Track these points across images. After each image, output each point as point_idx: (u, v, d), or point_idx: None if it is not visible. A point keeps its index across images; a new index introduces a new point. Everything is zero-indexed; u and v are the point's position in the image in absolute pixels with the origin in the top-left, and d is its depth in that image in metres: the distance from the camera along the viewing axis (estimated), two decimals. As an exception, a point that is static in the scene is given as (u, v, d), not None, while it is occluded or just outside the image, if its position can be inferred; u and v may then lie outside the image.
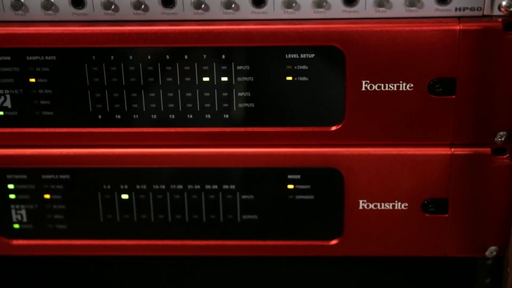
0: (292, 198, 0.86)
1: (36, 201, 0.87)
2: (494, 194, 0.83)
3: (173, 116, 0.82)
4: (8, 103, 0.82)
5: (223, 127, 0.82)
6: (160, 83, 0.81)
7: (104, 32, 0.79)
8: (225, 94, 0.81)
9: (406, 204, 0.84)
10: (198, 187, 0.86)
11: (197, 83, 0.81)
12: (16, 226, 0.88)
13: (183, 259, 0.91)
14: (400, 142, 0.82)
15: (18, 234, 0.89)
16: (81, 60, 0.81)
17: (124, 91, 0.82)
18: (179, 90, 0.81)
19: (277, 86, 0.81)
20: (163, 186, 0.86)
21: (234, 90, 0.81)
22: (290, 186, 0.85)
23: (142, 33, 0.79)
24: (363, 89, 0.80)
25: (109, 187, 0.86)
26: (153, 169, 0.85)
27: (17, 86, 0.82)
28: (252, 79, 0.81)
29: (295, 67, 0.80)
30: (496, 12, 0.77)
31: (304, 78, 0.80)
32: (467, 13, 0.78)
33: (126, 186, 0.86)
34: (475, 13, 0.78)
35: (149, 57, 0.80)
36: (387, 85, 0.79)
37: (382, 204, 0.85)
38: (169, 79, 0.81)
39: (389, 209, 0.85)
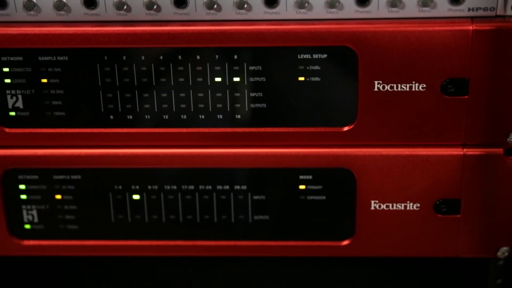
0: (304, 198, 0.86)
1: (47, 202, 0.87)
2: (507, 194, 0.83)
3: (185, 117, 0.82)
4: (20, 104, 0.82)
5: (235, 127, 0.82)
6: (172, 83, 0.81)
7: (116, 33, 0.79)
8: (237, 94, 0.81)
9: (418, 205, 0.84)
10: (210, 187, 0.86)
11: (209, 84, 0.81)
12: (27, 226, 0.88)
13: (194, 259, 0.91)
14: (412, 142, 0.82)
15: (29, 235, 0.88)
16: (93, 60, 0.80)
17: (136, 91, 0.81)
18: (191, 91, 0.81)
19: (289, 86, 0.81)
20: (175, 187, 0.86)
21: (246, 91, 0.81)
22: (302, 187, 0.85)
23: (155, 34, 0.79)
24: (376, 89, 0.80)
25: (120, 187, 0.86)
26: (165, 169, 0.85)
27: (29, 86, 0.82)
28: (264, 80, 0.81)
29: (308, 68, 0.80)
30: (509, 12, 0.77)
31: (317, 79, 0.80)
32: (480, 13, 0.77)
33: (137, 187, 0.86)
34: (488, 13, 0.77)
35: (161, 57, 0.80)
36: (399, 85, 0.79)
37: (394, 204, 0.84)
38: (181, 79, 0.81)
39: (401, 210, 0.84)
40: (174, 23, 0.79)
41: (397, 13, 0.78)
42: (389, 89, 0.79)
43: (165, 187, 0.86)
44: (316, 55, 0.79)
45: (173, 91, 0.81)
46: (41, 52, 0.80)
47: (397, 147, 0.83)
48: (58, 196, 0.87)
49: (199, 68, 0.80)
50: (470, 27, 0.77)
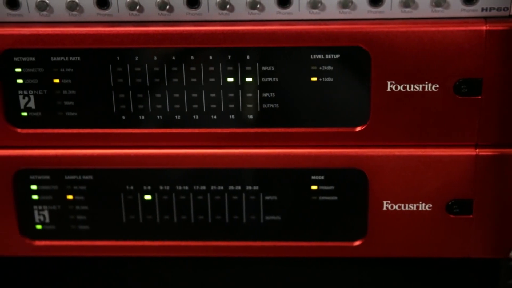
0: (316, 199, 0.85)
1: (59, 202, 0.87)
2: (519, 195, 0.83)
3: (197, 117, 0.82)
4: (32, 104, 0.82)
5: (247, 128, 0.82)
6: (185, 83, 0.81)
7: (129, 33, 0.79)
8: (249, 94, 0.81)
9: (431, 205, 0.84)
10: (222, 188, 0.86)
11: (221, 84, 0.81)
12: (39, 227, 0.88)
13: (205, 260, 0.91)
14: (425, 143, 0.82)
15: (41, 235, 0.88)
16: (105, 60, 0.80)
17: (148, 92, 0.81)
18: (203, 91, 0.81)
19: (301, 86, 0.81)
20: (186, 187, 0.86)
21: (258, 91, 0.81)
22: (314, 187, 0.85)
23: (167, 34, 0.79)
24: (388, 89, 0.79)
25: (132, 188, 0.86)
26: (176, 170, 0.85)
27: (41, 87, 0.82)
28: (277, 80, 0.81)
29: (320, 68, 0.80)
30: (523, 12, 0.77)
31: (329, 79, 0.80)
32: (494, 13, 0.77)
33: (149, 187, 0.86)
34: (502, 13, 0.77)
35: (173, 57, 0.80)
36: (412, 85, 0.79)
37: (406, 205, 0.84)
38: (194, 79, 0.81)
39: (413, 210, 0.84)
40: (187, 23, 0.79)
41: (410, 13, 0.78)
42: (402, 89, 0.79)
43: (177, 187, 0.86)
44: (329, 56, 0.79)
45: (185, 91, 0.81)
46: (53, 52, 0.80)
47: (409, 148, 0.82)
48: (70, 197, 0.87)
49: (212, 68, 0.80)
50: (484, 27, 0.77)
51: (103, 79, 0.81)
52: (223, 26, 0.79)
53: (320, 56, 0.79)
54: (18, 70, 0.81)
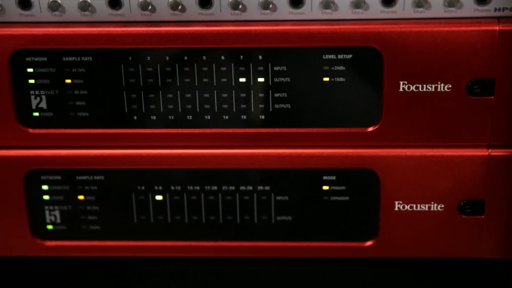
0: (327, 199, 0.85)
1: (70, 202, 0.87)
2: (531, 195, 0.83)
3: (209, 117, 0.82)
4: (43, 104, 0.82)
5: (259, 128, 0.82)
6: (197, 84, 0.81)
7: (141, 33, 0.79)
8: (261, 95, 0.81)
9: (442, 206, 0.84)
10: (233, 188, 0.86)
11: (233, 84, 0.81)
12: (50, 227, 0.88)
13: (216, 260, 0.90)
14: (437, 143, 0.82)
15: (52, 235, 0.88)
16: (117, 61, 0.80)
17: (160, 92, 0.81)
18: (215, 91, 0.81)
19: (313, 87, 0.80)
20: (198, 187, 0.86)
21: (270, 91, 0.81)
22: (326, 187, 0.85)
23: (179, 34, 0.79)
24: (401, 90, 0.79)
25: (143, 188, 0.86)
26: (188, 170, 0.85)
27: (53, 87, 0.82)
28: (289, 80, 0.80)
29: (332, 68, 0.80)
30: (536, 12, 0.77)
31: (341, 79, 0.80)
32: (507, 13, 0.77)
33: (160, 187, 0.86)
34: (515, 13, 0.77)
35: (185, 57, 0.80)
36: (425, 86, 0.79)
37: (418, 205, 0.84)
38: (206, 80, 0.81)
39: (425, 211, 0.84)
40: (199, 23, 0.79)
41: (422, 13, 0.78)
42: (414, 89, 0.79)
43: (188, 187, 0.86)
44: (341, 56, 0.79)
45: (197, 91, 0.81)
46: (65, 52, 0.80)
47: (421, 148, 0.82)
48: (81, 197, 0.87)
49: (223, 68, 0.80)
50: (497, 27, 0.77)
51: (115, 79, 0.81)
52: (235, 26, 0.78)
53: (332, 56, 0.79)
54: (30, 70, 0.81)
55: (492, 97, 0.79)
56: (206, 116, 0.82)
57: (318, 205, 0.86)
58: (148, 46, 0.79)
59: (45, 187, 0.87)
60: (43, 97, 0.82)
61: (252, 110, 0.82)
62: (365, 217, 0.86)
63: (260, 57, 0.80)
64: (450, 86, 0.79)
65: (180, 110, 0.82)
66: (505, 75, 0.78)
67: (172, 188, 0.86)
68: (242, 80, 0.81)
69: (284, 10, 0.78)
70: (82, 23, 0.79)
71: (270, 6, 0.78)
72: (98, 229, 0.88)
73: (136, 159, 0.84)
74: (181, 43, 0.79)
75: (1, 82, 0.81)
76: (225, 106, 0.82)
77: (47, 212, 0.88)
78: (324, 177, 0.85)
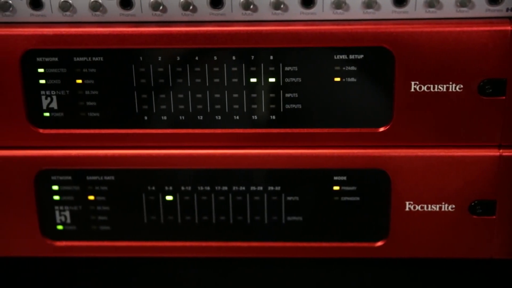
0: (338, 199, 0.85)
1: (80, 203, 0.87)
2: (543, 195, 0.83)
3: (219, 117, 0.82)
4: (54, 104, 0.82)
5: (269, 128, 0.82)
6: (207, 84, 0.81)
7: (152, 33, 0.79)
8: (272, 95, 0.81)
9: (453, 206, 0.84)
10: (243, 188, 0.85)
11: (244, 84, 0.81)
12: (60, 227, 0.88)
13: (226, 261, 0.90)
14: (448, 143, 0.82)
15: (62, 236, 0.88)
16: (128, 61, 0.80)
17: (171, 92, 0.81)
18: (226, 92, 0.81)
19: (325, 87, 0.80)
20: (208, 188, 0.86)
21: (281, 91, 0.81)
22: (336, 188, 0.85)
23: (190, 34, 0.79)
24: (412, 90, 0.79)
25: (153, 188, 0.86)
26: (198, 170, 0.85)
27: (64, 87, 0.82)
28: (300, 80, 0.80)
29: (344, 68, 0.80)
30: (548, 12, 0.77)
31: (353, 79, 0.80)
32: (519, 13, 0.77)
33: (170, 188, 0.86)
34: (527, 13, 0.77)
35: (197, 58, 0.80)
36: (436, 86, 0.79)
37: (429, 205, 0.84)
38: (217, 80, 0.81)
39: (436, 211, 0.84)
40: (210, 23, 0.79)
41: (434, 14, 0.78)
42: (425, 89, 0.79)
43: (199, 188, 0.86)
44: (353, 56, 0.79)
45: (208, 91, 0.81)
46: (76, 52, 0.80)
47: (432, 148, 0.82)
48: (91, 197, 0.87)
49: (235, 68, 0.80)
50: (509, 27, 0.76)
51: (125, 80, 0.81)
52: (246, 26, 0.78)
53: (343, 57, 0.79)
54: (40, 70, 0.81)
55: (504, 97, 0.79)
56: (216, 117, 0.82)
57: (329, 205, 0.85)
58: (159, 46, 0.79)
59: (55, 188, 0.87)
60: (54, 97, 0.82)
61: (263, 110, 0.82)
62: (375, 217, 0.86)
63: (271, 57, 0.79)
64: (461, 86, 0.79)
65: (190, 111, 0.82)
66: (517, 75, 0.78)
67: (183, 188, 0.86)
68: (253, 80, 0.80)
69: (295, 10, 0.78)
70: (93, 23, 0.79)
71: (282, 6, 0.78)
72: (108, 229, 0.88)
73: (146, 160, 0.84)
74: (192, 43, 0.79)
75: (12, 82, 0.81)
76: (236, 106, 0.81)
77: (57, 213, 0.88)
78: (335, 178, 0.85)
